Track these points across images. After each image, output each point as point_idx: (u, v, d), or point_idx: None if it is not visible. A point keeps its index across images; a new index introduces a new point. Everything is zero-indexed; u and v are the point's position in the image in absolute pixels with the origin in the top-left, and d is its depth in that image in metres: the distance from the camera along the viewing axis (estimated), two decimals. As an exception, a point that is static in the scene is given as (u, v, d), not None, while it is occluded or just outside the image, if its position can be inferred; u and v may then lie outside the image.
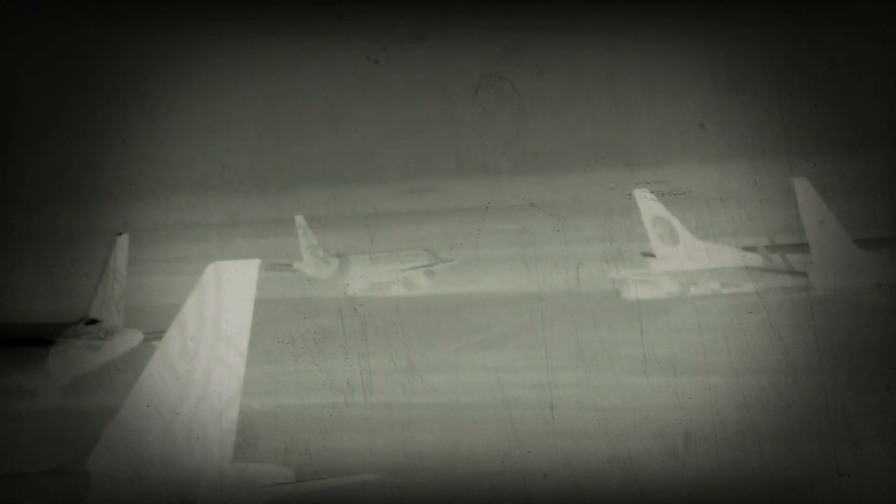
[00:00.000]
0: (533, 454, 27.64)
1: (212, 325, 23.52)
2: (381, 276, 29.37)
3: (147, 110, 28.52)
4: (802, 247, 28.84)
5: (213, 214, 28.35)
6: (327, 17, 28.14)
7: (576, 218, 28.04)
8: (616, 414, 27.87)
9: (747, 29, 27.89)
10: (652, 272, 29.37)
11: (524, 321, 28.39)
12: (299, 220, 28.86)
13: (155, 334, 28.53)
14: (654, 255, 29.15)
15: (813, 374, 27.55)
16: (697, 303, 28.61)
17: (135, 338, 29.33)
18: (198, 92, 28.38)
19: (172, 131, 28.44)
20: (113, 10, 28.40)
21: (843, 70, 27.82)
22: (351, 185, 28.64)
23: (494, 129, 28.13)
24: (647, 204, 28.65)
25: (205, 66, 28.38)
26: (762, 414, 27.62)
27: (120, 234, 29.00)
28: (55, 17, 28.50)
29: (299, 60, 28.25)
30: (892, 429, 27.43)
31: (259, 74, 28.30)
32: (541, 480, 27.56)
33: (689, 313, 28.26)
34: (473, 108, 28.04)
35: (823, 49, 27.81)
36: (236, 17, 28.28)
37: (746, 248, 28.91)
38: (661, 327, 28.19)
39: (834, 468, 27.24)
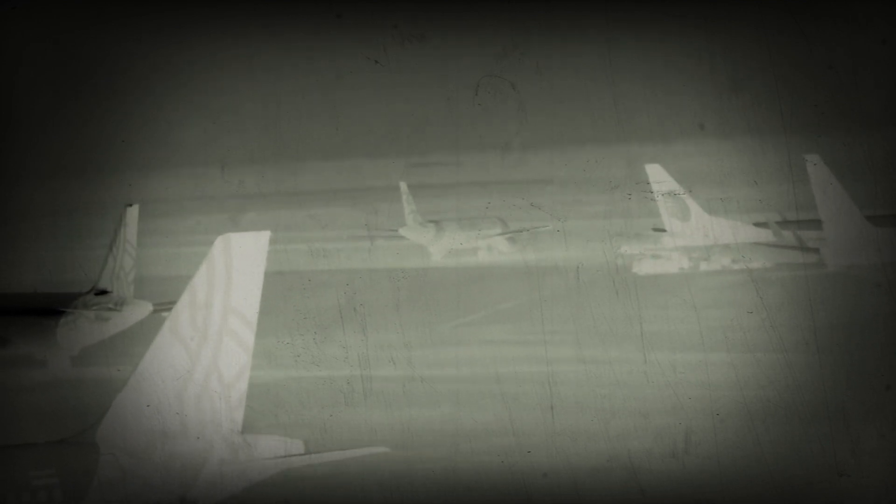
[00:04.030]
0: (533, 454, 27.64)
1: (221, 296, 23.50)
2: (468, 241, 29.65)
3: (147, 111, 28.54)
4: (808, 223, 28.89)
5: (222, 188, 28.40)
6: (327, 17, 28.14)
7: (576, 218, 28.05)
8: (616, 414, 27.87)
9: (747, 29, 27.89)
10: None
11: (524, 323, 28.42)
12: (403, 186, 29.08)
13: (164, 305, 28.54)
14: (664, 231, 29.15)
15: (813, 374, 27.55)
16: (697, 301, 28.62)
17: (144, 309, 29.36)
18: (199, 91, 28.38)
19: (172, 129, 28.46)
20: (112, 12, 28.41)
21: (843, 70, 27.82)
22: (351, 182, 28.66)
23: (494, 128, 28.14)
24: (660, 179, 28.67)
25: (206, 65, 28.39)
26: (762, 414, 27.61)
27: (130, 205, 29.01)
28: (55, 18, 28.51)
29: (300, 60, 28.26)
30: (892, 429, 27.43)
31: (260, 74, 28.31)
32: (541, 480, 27.56)
33: (688, 312, 28.28)
34: (473, 108, 28.04)
35: (823, 49, 27.81)
36: (237, 17, 28.29)
37: (759, 224, 28.95)
38: (660, 327, 28.22)
39: (834, 468, 27.24)
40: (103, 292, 29.42)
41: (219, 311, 23.44)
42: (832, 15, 27.84)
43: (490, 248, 29.78)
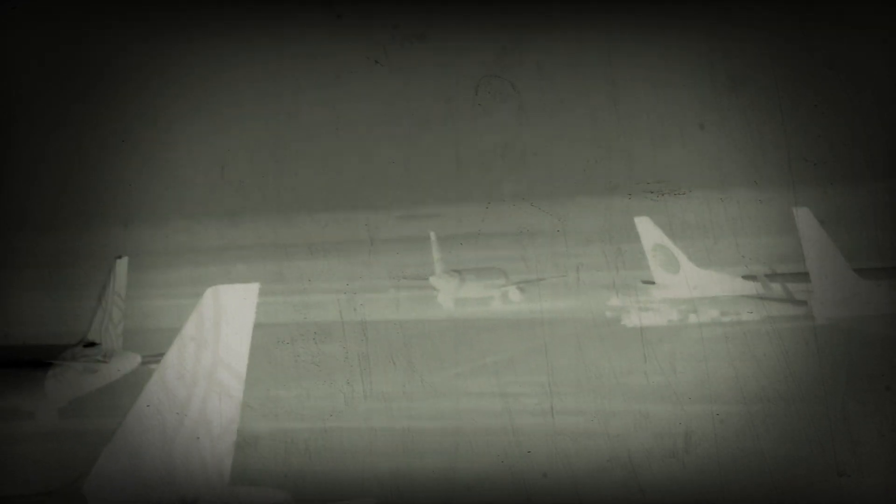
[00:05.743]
0: (533, 454, 27.64)
1: (210, 348, 23.51)
2: (482, 291, 29.65)
3: (148, 112, 28.55)
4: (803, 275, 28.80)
5: (214, 238, 28.43)
6: (327, 17, 28.17)
7: (576, 217, 28.06)
8: (616, 414, 27.88)
9: (747, 29, 27.91)
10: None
11: (525, 321, 28.45)
12: (433, 235, 29.05)
13: (153, 357, 28.65)
14: (653, 283, 29.05)
15: (813, 374, 27.55)
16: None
17: (133, 361, 29.40)
18: (198, 93, 28.40)
19: (173, 132, 28.47)
20: (112, 11, 28.42)
21: (843, 70, 27.83)
22: (349, 185, 28.68)
23: (494, 128, 28.15)
24: (648, 231, 28.64)
25: (205, 66, 28.41)
26: (762, 414, 27.62)
27: (119, 257, 29.07)
28: (55, 18, 28.53)
29: (300, 60, 28.28)
30: (891, 429, 27.43)
31: (259, 74, 28.33)
32: (541, 480, 27.56)
33: (688, 314, 28.29)
34: (473, 108, 28.06)
35: (823, 49, 27.83)
36: (236, 18, 28.31)
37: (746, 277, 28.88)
38: (661, 333, 28.24)
39: (834, 468, 27.24)
40: (92, 344, 29.48)
41: (208, 363, 23.46)
42: (832, 15, 27.86)
43: (503, 296, 29.74)
